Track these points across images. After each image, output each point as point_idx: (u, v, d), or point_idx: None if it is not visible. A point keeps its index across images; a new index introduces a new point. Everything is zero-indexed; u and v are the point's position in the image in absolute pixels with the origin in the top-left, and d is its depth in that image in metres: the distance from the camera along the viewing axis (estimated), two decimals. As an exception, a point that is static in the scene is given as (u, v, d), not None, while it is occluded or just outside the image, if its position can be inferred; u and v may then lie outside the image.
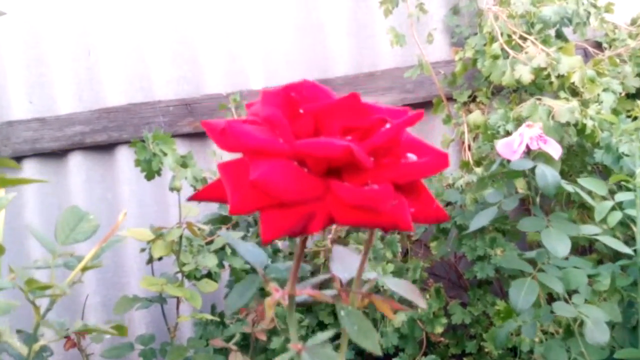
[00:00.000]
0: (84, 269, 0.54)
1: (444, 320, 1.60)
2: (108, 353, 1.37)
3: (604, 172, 1.60)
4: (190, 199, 0.37)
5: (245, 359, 1.33)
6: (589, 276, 1.27)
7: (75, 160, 1.91)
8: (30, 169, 1.91)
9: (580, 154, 1.61)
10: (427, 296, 1.64)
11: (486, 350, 1.57)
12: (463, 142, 1.77)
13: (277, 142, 0.34)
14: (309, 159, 0.34)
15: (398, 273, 1.65)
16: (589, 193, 1.34)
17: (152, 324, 1.83)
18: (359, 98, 0.35)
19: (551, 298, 1.37)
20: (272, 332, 1.61)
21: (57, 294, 0.49)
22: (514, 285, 1.16)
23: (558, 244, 1.08)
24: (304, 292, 0.39)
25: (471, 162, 1.68)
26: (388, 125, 0.36)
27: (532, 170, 1.11)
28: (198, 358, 1.33)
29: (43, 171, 1.93)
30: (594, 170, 1.65)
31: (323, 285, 0.42)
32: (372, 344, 0.38)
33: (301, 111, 0.36)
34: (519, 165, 1.11)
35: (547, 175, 1.08)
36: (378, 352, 0.38)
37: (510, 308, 1.54)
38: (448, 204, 1.63)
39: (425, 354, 1.64)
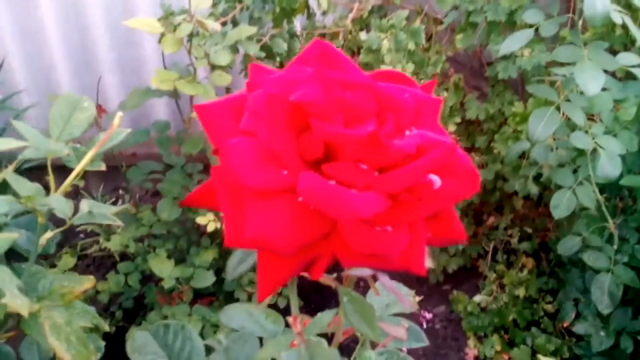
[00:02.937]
0: (78, 175, 0.52)
1: (458, 119, 1.59)
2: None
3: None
4: (182, 205, 0.33)
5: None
6: (615, 101, 1.22)
7: None
8: None
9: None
10: (445, 92, 1.60)
11: (495, 150, 1.58)
12: None
13: (280, 177, 0.29)
14: (315, 196, 0.29)
15: (419, 65, 1.59)
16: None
17: (170, 111, 1.85)
18: (379, 137, 0.29)
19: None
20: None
21: (52, 207, 0.48)
22: (535, 114, 1.13)
23: (591, 80, 1.01)
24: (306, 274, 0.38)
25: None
26: (413, 131, 0.31)
27: (581, -7, 0.99)
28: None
29: None
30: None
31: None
32: (374, 332, 0.38)
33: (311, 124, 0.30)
34: (567, -11, 0.98)
35: (597, 4, 0.96)
36: (379, 340, 0.38)
37: (527, 113, 1.52)
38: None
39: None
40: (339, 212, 0.28)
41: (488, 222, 1.75)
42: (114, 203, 2.14)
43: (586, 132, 1.15)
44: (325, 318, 0.41)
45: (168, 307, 1.36)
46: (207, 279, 1.32)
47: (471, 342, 1.52)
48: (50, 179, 0.52)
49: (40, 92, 1.93)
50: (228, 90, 1.59)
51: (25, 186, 0.48)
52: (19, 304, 0.40)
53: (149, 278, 1.51)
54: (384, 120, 0.32)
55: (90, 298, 1.57)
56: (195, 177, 1.47)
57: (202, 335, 1.37)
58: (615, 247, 1.26)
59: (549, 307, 1.53)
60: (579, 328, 1.34)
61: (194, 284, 1.32)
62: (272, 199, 0.29)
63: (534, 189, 1.46)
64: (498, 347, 1.47)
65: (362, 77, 0.34)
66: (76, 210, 0.57)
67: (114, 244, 1.42)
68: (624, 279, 1.22)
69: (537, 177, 1.48)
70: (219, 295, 1.47)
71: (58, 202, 0.48)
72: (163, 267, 1.32)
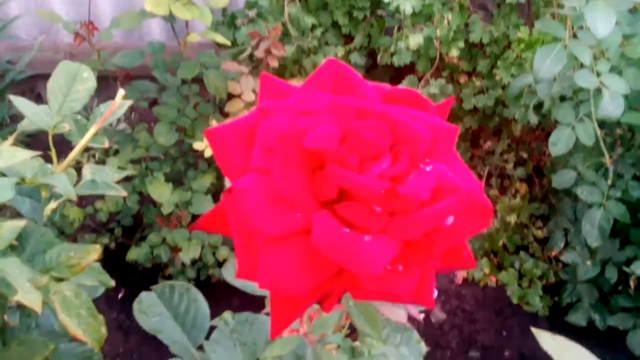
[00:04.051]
0: (81, 150, 0.51)
1: (461, 44, 1.55)
2: (120, 60, 1.37)
3: None
4: (192, 228, 0.33)
5: (257, 81, 1.34)
6: (624, 36, 1.19)
7: None
8: None
9: None
10: (449, 14, 1.55)
11: (497, 76, 1.56)
12: None
13: (293, 221, 0.29)
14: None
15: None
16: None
17: (163, 25, 1.78)
18: (395, 188, 0.28)
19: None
20: (284, 37, 1.57)
21: (55, 186, 0.48)
22: (541, 51, 1.10)
23: (601, 21, 0.98)
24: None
25: None
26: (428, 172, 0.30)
27: None
28: (210, 74, 1.34)
29: None
30: None
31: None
32: (377, 334, 0.40)
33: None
34: None
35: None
36: (382, 342, 0.40)
37: (533, 40, 1.48)
38: None
39: (436, 70, 1.64)
40: (352, 267, 0.28)
41: (485, 147, 1.76)
42: (109, 117, 2.10)
43: (591, 69, 1.13)
44: (331, 318, 0.42)
45: (167, 229, 1.38)
46: (205, 205, 1.34)
47: (461, 264, 1.58)
48: (52, 154, 0.51)
49: (29, 1, 1.85)
50: (224, 9, 1.53)
51: (28, 164, 0.48)
52: (32, 299, 0.41)
53: (147, 198, 1.53)
54: (398, 154, 0.31)
55: (90, 216, 1.60)
56: (191, 100, 1.45)
57: (202, 257, 1.41)
58: (609, 182, 1.28)
59: (539, 233, 1.57)
60: (567, 257, 1.38)
61: (193, 210, 1.34)
62: (284, 243, 0.29)
63: (533, 119, 1.45)
64: (487, 270, 1.53)
65: (377, 103, 0.33)
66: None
67: (111, 167, 1.42)
68: (615, 214, 1.25)
69: (538, 106, 1.47)
70: (217, 217, 1.49)
71: (61, 182, 0.48)
72: (161, 192, 1.33)
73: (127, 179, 1.52)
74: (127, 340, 1.44)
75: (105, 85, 1.91)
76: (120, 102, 0.51)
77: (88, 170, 0.58)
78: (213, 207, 0.33)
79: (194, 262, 1.43)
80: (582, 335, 1.39)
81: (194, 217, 1.40)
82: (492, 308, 1.46)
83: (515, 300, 1.47)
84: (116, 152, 1.60)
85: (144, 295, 0.61)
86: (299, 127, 0.29)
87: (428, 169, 0.31)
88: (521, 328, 1.42)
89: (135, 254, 1.40)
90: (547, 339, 0.56)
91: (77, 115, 0.54)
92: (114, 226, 1.61)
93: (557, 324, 1.42)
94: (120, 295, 1.56)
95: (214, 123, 1.37)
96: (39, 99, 2.30)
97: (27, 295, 0.41)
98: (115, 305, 1.52)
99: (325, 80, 0.33)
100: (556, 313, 1.44)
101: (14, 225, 0.44)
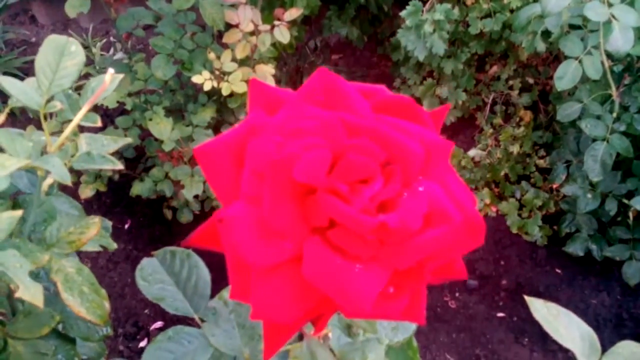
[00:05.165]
0: (73, 131, 0.50)
1: (469, -34, 1.48)
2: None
3: None
4: (184, 244, 0.33)
5: (255, 11, 1.29)
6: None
7: None
8: None
9: None
10: None
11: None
12: None
13: (284, 250, 0.29)
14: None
15: None
16: None
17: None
18: (386, 224, 0.28)
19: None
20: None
21: (50, 170, 0.47)
22: (551, -17, 1.05)
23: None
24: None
25: None
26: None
27: None
28: (206, 4, 1.29)
29: None
30: None
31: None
32: (371, 327, 0.41)
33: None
34: None
35: None
36: (375, 332, 0.41)
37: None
38: None
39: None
40: (343, 300, 0.28)
41: (490, 72, 1.72)
42: (105, 41, 2.07)
43: (602, 0, 1.08)
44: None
45: (170, 164, 1.39)
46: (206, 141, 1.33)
47: (462, 193, 1.59)
48: (46, 134, 0.50)
49: None
50: None
51: (22, 146, 0.47)
52: (33, 294, 0.42)
53: (148, 131, 1.52)
54: (391, 174, 0.30)
55: (92, 148, 1.60)
56: (187, 29, 1.41)
57: (205, 189, 1.42)
58: (614, 115, 1.26)
59: (542, 162, 1.57)
60: (568, 190, 1.39)
61: (195, 146, 1.34)
62: (275, 273, 0.29)
63: (541, 46, 1.40)
64: (488, 201, 1.54)
65: (369, 117, 0.31)
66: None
67: (109, 101, 1.41)
68: (618, 148, 1.24)
69: (546, 32, 1.42)
70: (219, 149, 1.49)
71: (56, 166, 0.47)
72: (162, 129, 1.32)
73: (127, 112, 1.51)
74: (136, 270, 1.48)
75: (99, 8, 1.86)
76: (111, 78, 0.49)
77: (84, 141, 0.57)
78: (204, 225, 0.33)
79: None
80: (578, 264, 1.42)
81: (196, 152, 1.40)
82: (491, 238, 1.49)
83: (514, 230, 1.49)
84: (114, 81, 1.57)
85: (145, 262, 0.62)
86: (289, 154, 0.29)
87: (421, 188, 0.31)
88: (519, 258, 1.45)
89: (139, 189, 1.41)
90: (538, 307, 0.57)
91: (69, 90, 0.52)
92: (117, 158, 1.61)
93: (555, 253, 1.45)
94: (127, 226, 1.59)
95: (212, 56, 1.34)
96: (33, 20, 2.24)
97: (28, 291, 0.42)
98: (123, 236, 1.55)
99: (315, 92, 0.32)
100: (554, 243, 1.46)
101: (10, 216, 0.44)
